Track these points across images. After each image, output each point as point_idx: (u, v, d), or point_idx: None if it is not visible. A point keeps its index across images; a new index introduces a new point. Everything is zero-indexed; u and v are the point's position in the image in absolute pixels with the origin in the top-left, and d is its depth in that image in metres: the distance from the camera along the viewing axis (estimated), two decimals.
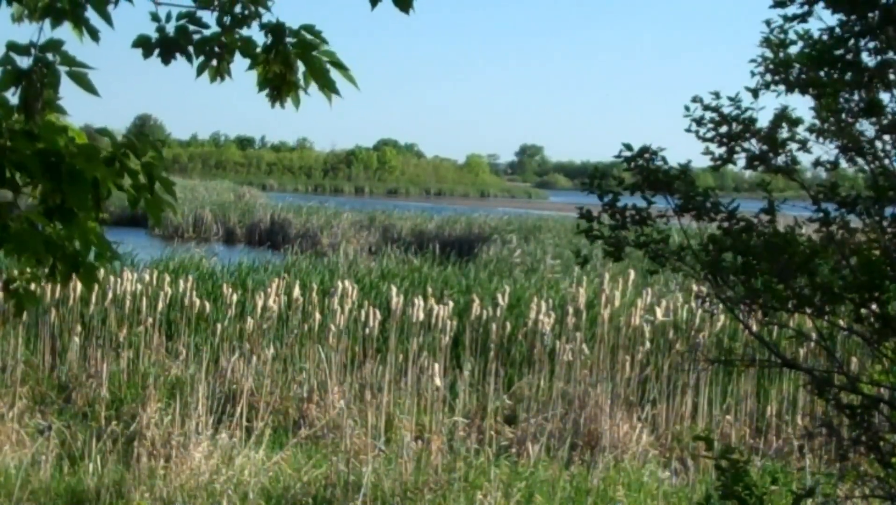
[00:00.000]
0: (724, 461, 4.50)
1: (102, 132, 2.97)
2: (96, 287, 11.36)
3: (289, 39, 3.16)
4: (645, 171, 4.36)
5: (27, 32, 3.05)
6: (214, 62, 3.22)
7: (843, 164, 4.38)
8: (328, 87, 3.17)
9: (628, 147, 4.39)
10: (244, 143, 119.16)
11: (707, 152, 4.44)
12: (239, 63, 3.26)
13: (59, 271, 2.99)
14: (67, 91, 3.01)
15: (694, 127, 4.42)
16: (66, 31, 3.10)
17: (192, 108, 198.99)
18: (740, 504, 4.38)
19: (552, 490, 7.92)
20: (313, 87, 3.23)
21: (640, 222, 4.34)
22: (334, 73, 3.19)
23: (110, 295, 11.29)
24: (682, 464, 9.46)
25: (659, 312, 11.08)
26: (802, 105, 4.41)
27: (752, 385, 11.06)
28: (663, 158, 4.38)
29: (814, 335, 5.40)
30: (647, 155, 4.37)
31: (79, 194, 2.80)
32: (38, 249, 2.88)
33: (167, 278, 11.93)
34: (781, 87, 4.36)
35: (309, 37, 3.16)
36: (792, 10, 4.30)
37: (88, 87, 2.93)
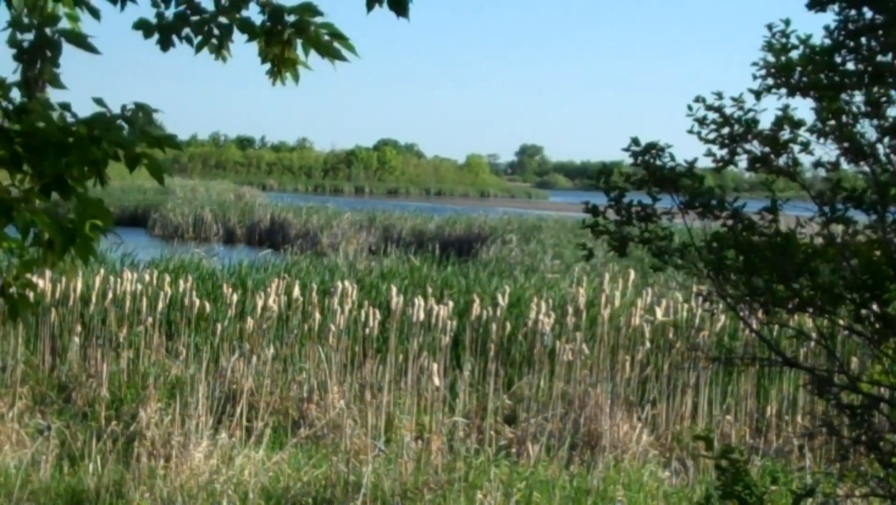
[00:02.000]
0: (723, 461, 4.50)
1: (97, 101, 2.97)
2: (98, 283, 11.39)
3: (288, 18, 3.17)
4: (651, 167, 4.36)
5: None
6: (215, 41, 3.24)
7: (844, 164, 4.38)
8: (331, 54, 3.18)
9: (636, 142, 4.39)
10: (244, 143, 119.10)
11: (709, 154, 4.44)
12: (237, 56, 3.29)
13: (56, 244, 2.98)
14: (66, 92, 3.03)
15: (696, 128, 4.42)
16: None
17: (192, 109, 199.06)
18: (740, 504, 4.38)
19: (552, 490, 7.91)
20: (312, 60, 3.24)
21: (645, 219, 4.34)
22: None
23: (110, 295, 11.29)
24: (682, 464, 9.45)
25: (659, 312, 11.07)
26: (804, 106, 4.42)
27: (752, 385, 11.06)
28: (671, 155, 4.38)
29: (813, 335, 5.40)
30: (654, 151, 4.37)
31: (82, 164, 2.82)
32: (49, 228, 2.89)
33: (167, 278, 11.92)
34: (783, 91, 4.36)
35: (306, 17, 3.16)
36: None
37: (87, 47, 2.94)
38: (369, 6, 3.10)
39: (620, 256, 4.43)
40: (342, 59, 3.18)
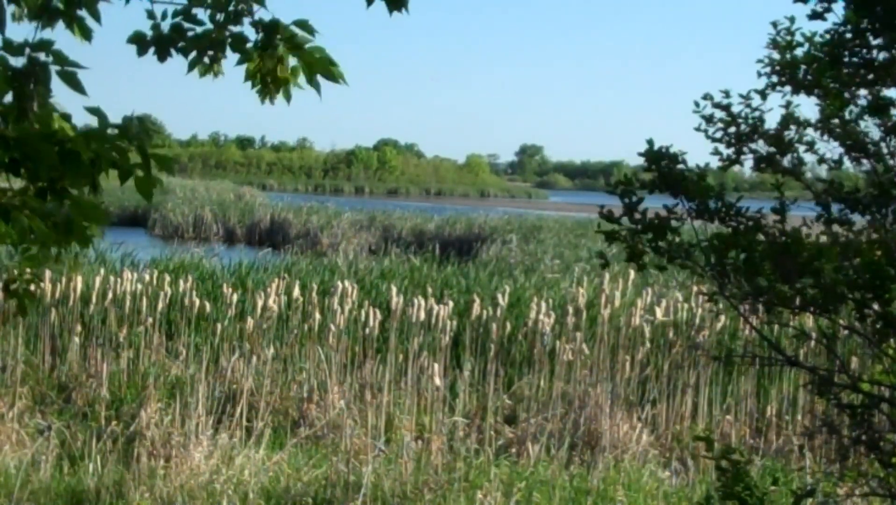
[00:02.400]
0: (724, 461, 4.50)
1: (94, 111, 2.97)
2: (98, 283, 11.39)
3: (280, 36, 3.18)
4: (664, 174, 4.32)
5: (24, 31, 3.07)
6: (207, 59, 3.23)
7: (847, 163, 4.38)
8: (314, 84, 3.18)
9: (650, 145, 4.37)
10: (244, 143, 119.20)
11: (716, 153, 4.43)
12: (234, 60, 3.27)
13: (54, 235, 2.99)
14: (65, 92, 3.03)
15: (703, 126, 4.41)
16: (65, 33, 3.11)
17: (192, 109, 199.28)
18: (741, 504, 4.38)
19: (552, 490, 7.91)
20: (303, 81, 3.23)
21: (661, 228, 4.28)
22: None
23: (110, 295, 11.28)
24: (682, 464, 9.45)
25: (659, 312, 11.07)
26: (808, 104, 4.43)
27: (753, 385, 11.06)
28: (684, 161, 4.36)
29: (814, 334, 5.40)
30: (667, 160, 4.34)
31: (77, 175, 2.82)
32: (45, 235, 2.90)
33: (167, 278, 11.91)
34: (787, 88, 4.36)
35: (301, 33, 3.16)
36: (810, 6, 4.31)
37: (77, 87, 2.93)
38: (369, 0, 3.10)
39: (639, 270, 4.36)
40: (318, 90, 3.19)
